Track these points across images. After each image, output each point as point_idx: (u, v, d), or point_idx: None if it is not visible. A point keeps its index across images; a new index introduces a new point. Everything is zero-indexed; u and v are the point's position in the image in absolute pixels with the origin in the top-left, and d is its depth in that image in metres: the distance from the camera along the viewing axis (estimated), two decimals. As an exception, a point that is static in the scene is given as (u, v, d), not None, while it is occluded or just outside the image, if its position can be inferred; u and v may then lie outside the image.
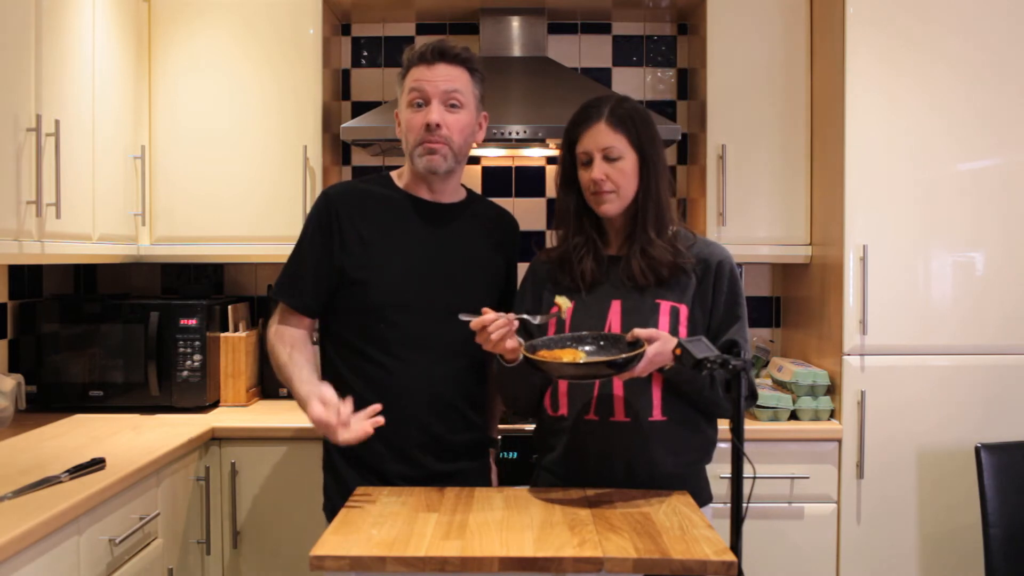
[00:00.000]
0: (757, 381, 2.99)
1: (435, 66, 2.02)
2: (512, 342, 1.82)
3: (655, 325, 1.87)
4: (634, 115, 1.91)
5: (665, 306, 1.89)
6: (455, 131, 2.03)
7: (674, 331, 1.87)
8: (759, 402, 2.76)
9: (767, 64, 3.01)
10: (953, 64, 2.71)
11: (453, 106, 2.02)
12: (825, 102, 2.90)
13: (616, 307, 1.92)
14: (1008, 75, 2.71)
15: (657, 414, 1.89)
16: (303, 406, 1.92)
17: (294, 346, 2.06)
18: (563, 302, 1.85)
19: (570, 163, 1.96)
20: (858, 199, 2.73)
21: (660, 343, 1.75)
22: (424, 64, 2.02)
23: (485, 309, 1.81)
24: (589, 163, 1.91)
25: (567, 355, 1.78)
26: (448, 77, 2.02)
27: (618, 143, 1.89)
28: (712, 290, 1.92)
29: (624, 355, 1.71)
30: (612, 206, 1.91)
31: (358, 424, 1.84)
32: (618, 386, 1.88)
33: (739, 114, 3.01)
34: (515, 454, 2.67)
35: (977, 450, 2.45)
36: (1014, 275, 2.72)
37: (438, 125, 2.00)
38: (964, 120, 2.71)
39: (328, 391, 1.87)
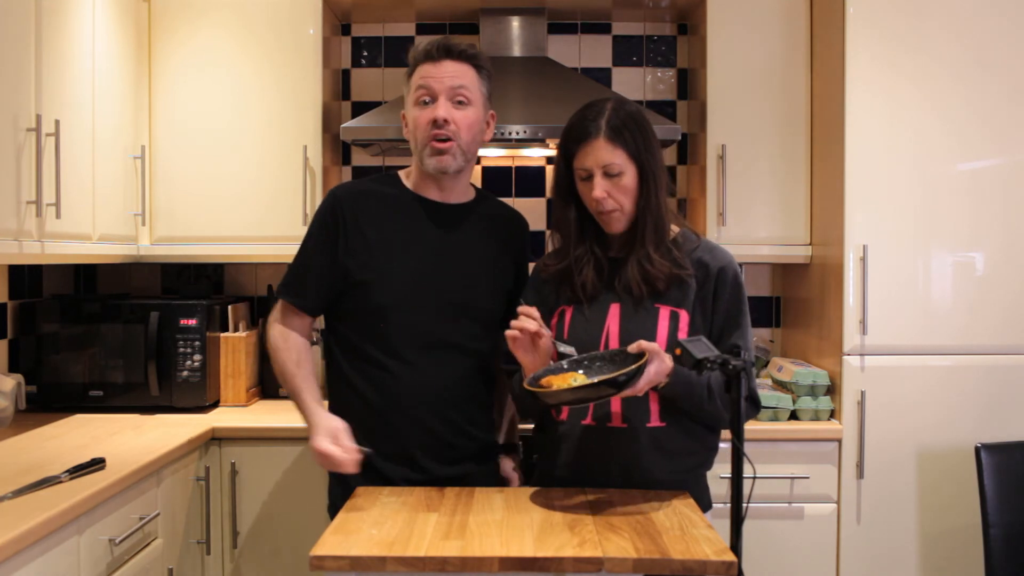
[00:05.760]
0: (757, 381, 2.98)
1: (441, 63, 2.01)
2: (529, 356, 1.83)
3: (654, 330, 1.85)
4: (630, 124, 1.86)
5: (664, 311, 1.88)
6: (463, 128, 2.01)
7: (673, 336, 1.85)
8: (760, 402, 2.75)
9: (767, 64, 3.01)
10: (953, 64, 2.71)
11: (460, 103, 2.01)
12: (825, 102, 2.90)
13: (615, 312, 1.91)
14: (1008, 75, 2.71)
15: (655, 420, 1.88)
16: (311, 428, 1.95)
17: (300, 356, 2.05)
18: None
19: (567, 175, 1.92)
20: (858, 199, 2.73)
21: (659, 362, 1.73)
22: (430, 61, 2.01)
23: (527, 309, 1.84)
24: (589, 179, 1.87)
25: (559, 381, 1.74)
26: (454, 73, 2.01)
27: (617, 158, 1.84)
28: (712, 297, 1.90)
29: (623, 371, 1.66)
30: (619, 224, 1.90)
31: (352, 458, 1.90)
32: None
33: (739, 114, 3.01)
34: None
35: (977, 450, 2.45)
36: (1014, 275, 2.72)
37: (445, 120, 1.99)
38: (964, 120, 2.72)
39: (338, 424, 1.92)
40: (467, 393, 2.08)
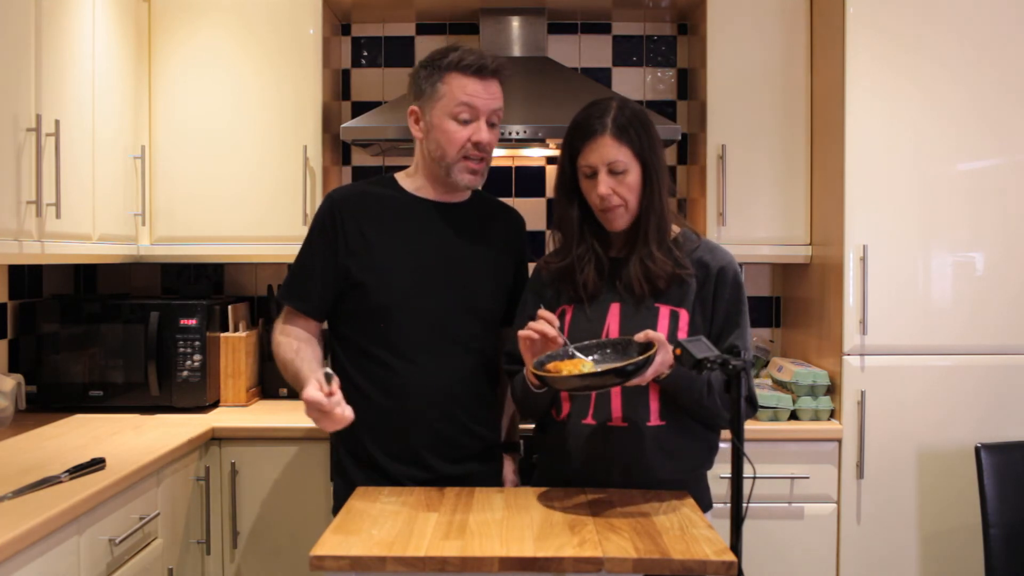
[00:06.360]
0: (757, 381, 2.98)
1: (490, 83, 2.02)
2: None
3: (654, 329, 1.85)
4: (635, 122, 1.87)
5: (664, 310, 1.89)
6: (493, 147, 2.06)
7: (673, 335, 1.86)
8: (759, 402, 2.75)
9: (767, 64, 3.01)
10: (953, 65, 2.71)
11: (492, 124, 2.04)
12: (825, 102, 2.90)
13: (615, 311, 1.91)
14: (1008, 75, 2.71)
15: (655, 419, 1.88)
16: (301, 389, 1.86)
17: (300, 343, 2.05)
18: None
19: (571, 173, 1.92)
20: (858, 199, 2.72)
21: (664, 352, 1.72)
22: (480, 79, 2.00)
23: (542, 312, 1.81)
24: (593, 176, 1.87)
25: (567, 367, 1.75)
26: (497, 95, 2.03)
27: (623, 156, 1.85)
28: (712, 297, 1.90)
29: (632, 361, 1.67)
30: (621, 221, 1.90)
31: (342, 409, 1.81)
32: (616, 389, 1.87)
33: (739, 114, 3.01)
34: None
35: (977, 450, 2.45)
36: (1014, 275, 2.72)
37: (488, 144, 2.02)
38: (964, 120, 2.71)
39: (327, 372, 1.84)
40: (471, 391, 2.09)
